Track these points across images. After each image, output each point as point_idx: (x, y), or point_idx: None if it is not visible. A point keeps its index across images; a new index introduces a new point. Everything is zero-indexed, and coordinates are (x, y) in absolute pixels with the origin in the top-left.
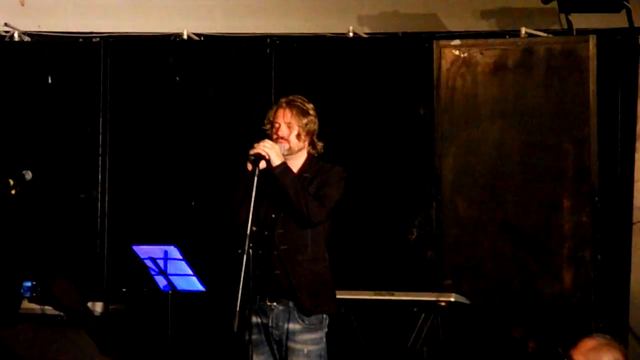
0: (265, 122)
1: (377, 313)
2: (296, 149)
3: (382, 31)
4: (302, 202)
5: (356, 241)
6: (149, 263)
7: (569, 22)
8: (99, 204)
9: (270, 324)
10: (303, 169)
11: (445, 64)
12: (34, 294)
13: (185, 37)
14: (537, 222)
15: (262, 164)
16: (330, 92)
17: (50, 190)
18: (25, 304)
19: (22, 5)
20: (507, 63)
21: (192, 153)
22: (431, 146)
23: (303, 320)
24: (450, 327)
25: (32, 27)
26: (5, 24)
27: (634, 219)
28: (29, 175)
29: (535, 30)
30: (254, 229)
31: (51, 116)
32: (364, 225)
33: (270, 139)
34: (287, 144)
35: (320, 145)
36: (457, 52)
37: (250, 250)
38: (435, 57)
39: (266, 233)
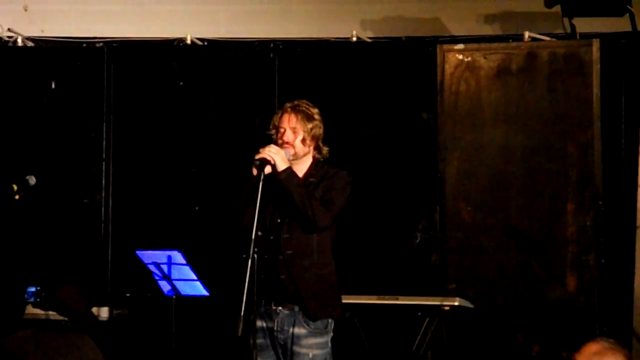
0: (271, 127)
1: (382, 317)
2: (301, 153)
3: (385, 35)
4: (308, 207)
5: (360, 245)
6: (152, 268)
7: (572, 26)
8: (103, 209)
9: (275, 328)
10: (308, 173)
11: (448, 68)
12: (38, 299)
13: (188, 42)
14: (540, 226)
15: (268, 169)
16: (333, 96)
17: (54, 196)
18: (30, 309)
19: (26, 10)
20: (511, 67)
21: (196, 158)
22: (435, 150)
23: (308, 325)
24: (454, 331)
25: (36, 33)
26: (9, 30)
27: (638, 223)
28: (32, 180)
29: (539, 34)
30: (260, 233)
31: (55, 121)
32: (367, 229)
33: (276, 144)
34: (292, 149)
35: (325, 149)
36: (460, 57)
37: (256, 255)
38: (438, 61)
39: (272, 238)
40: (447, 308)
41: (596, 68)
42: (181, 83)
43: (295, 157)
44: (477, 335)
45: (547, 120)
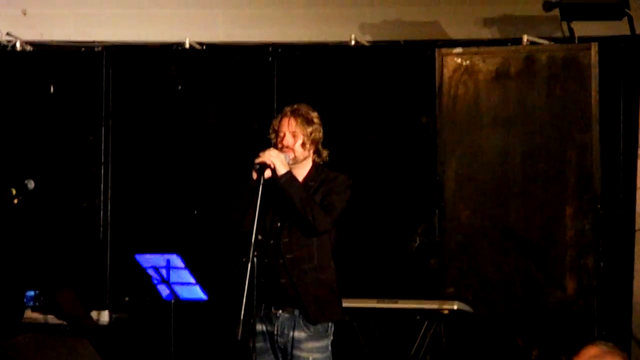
0: (270, 131)
1: (380, 321)
2: (301, 157)
3: (384, 39)
4: (308, 211)
5: (359, 249)
6: (151, 272)
7: (570, 30)
8: (102, 212)
9: (275, 332)
10: (308, 177)
11: (447, 72)
12: (37, 303)
13: (187, 46)
14: (539, 229)
15: (268, 173)
16: (332, 100)
17: (52, 199)
18: (28, 313)
19: (25, 14)
20: (509, 71)
21: (195, 161)
22: (433, 154)
23: (308, 328)
24: (453, 335)
25: (35, 37)
26: (8, 34)
27: (637, 226)
28: (31, 184)
29: (537, 37)
30: (260, 237)
31: (53, 125)
32: (366, 233)
33: (276, 148)
34: (292, 153)
35: (325, 153)
36: (459, 60)
37: (255, 259)
38: (437, 65)
39: (272, 242)
40: (446, 312)
41: (594, 72)
42: (180, 87)
43: (295, 161)
44: (476, 339)
45: (546, 123)
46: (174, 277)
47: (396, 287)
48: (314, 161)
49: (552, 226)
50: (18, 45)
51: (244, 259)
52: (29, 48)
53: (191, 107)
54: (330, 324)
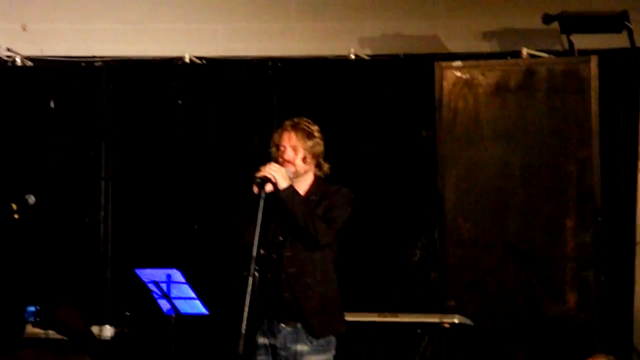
0: (271, 145)
1: (381, 335)
2: (302, 171)
3: (383, 53)
4: (310, 225)
5: (359, 262)
6: (152, 286)
7: (570, 43)
8: (103, 227)
9: (278, 345)
10: (310, 191)
11: (447, 85)
12: (38, 319)
13: (187, 60)
14: (540, 242)
15: (269, 187)
16: (332, 114)
17: (53, 214)
18: (29, 329)
19: (24, 30)
20: (509, 84)
21: (195, 176)
22: (434, 167)
23: (311, 342)
24: (454, 349)
25: (35, 52)
26: (8, 49)
27: (637, 239)
28: (32, 199)
29: (537, 51)
30: (262, 251)
31: (54, 140)
32: (367, 246)
33: (276, 162)
34: (293, 167)
35: (326, 166)
36: (458, 74)
37: (256, 273)
38: (436, 78)
39: (274, 256)
40: (446, 325)
41: (594, 84)
42: (180, 101)
43: (296, 175)
44: (477, 353)
45: (546, 136)
46: (175, 291)
47: (397, 300)
48: (315, 175)
49: (553, 239)
50: (18, 60)
51: (245, 273)
52: (29, 63)
53: (191, 122)
54: (332, 337)
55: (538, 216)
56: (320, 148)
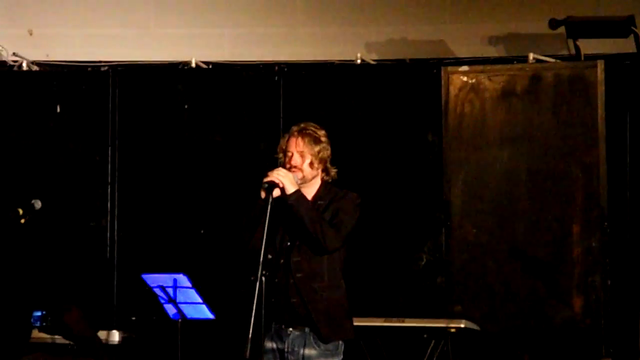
0: (278, 150)
1: (387, 340)
2: (310, 177)
3: (390, 58)
4: (318, 230)
5: (366, 267)
6: (158, 291)
7: (576, 48)
8: (109, 232)
9: (286, 349)
10: (317, 196)
11: (453, 90)
12: (45, 324)
13: (193, 65)
14: (546, 247)
15: (276, 192)
16: (338, 118)
17: (59, 219)
18: (36, 334)
19: (31, 35)
20: (515, 89)
21: (201, 181)
22: (440, 172)
23: (319, 346)
24: (460, 354)
25: (41, 57)
26: (14, 54)
27: None
28: (38, 204)
29: (543, 56)
30: (270, 256)
31: (60, 145)
32: (373, 251)
33: (284, 167)
34: (300, 172)
35: (334, 171)
36: (465, 78)
37: (264, 278)
38: (443, 83)
39: (282, 261)
40: (453, 330)
41: (601, 89)
42: (186, 106)
43: (304, 180)
44: (483, 358)
45: (552, 141)
46: (181, 296)
47: (403, 305)
48: (322, 179)
49: (559, 244)
50: (24, 65)
51: (252, 278)
52: (35, 68)
53: (197, 127)
54: (340, 342)
55: (544, 221)
56: (327, 153)
